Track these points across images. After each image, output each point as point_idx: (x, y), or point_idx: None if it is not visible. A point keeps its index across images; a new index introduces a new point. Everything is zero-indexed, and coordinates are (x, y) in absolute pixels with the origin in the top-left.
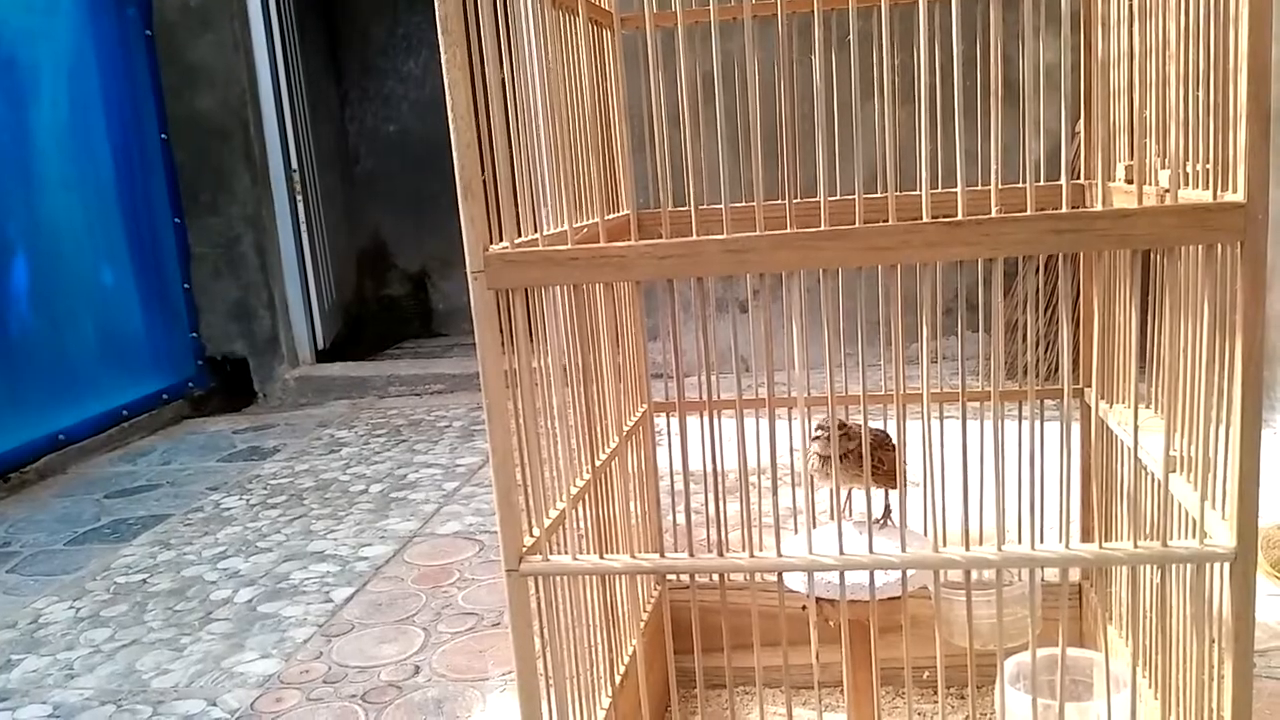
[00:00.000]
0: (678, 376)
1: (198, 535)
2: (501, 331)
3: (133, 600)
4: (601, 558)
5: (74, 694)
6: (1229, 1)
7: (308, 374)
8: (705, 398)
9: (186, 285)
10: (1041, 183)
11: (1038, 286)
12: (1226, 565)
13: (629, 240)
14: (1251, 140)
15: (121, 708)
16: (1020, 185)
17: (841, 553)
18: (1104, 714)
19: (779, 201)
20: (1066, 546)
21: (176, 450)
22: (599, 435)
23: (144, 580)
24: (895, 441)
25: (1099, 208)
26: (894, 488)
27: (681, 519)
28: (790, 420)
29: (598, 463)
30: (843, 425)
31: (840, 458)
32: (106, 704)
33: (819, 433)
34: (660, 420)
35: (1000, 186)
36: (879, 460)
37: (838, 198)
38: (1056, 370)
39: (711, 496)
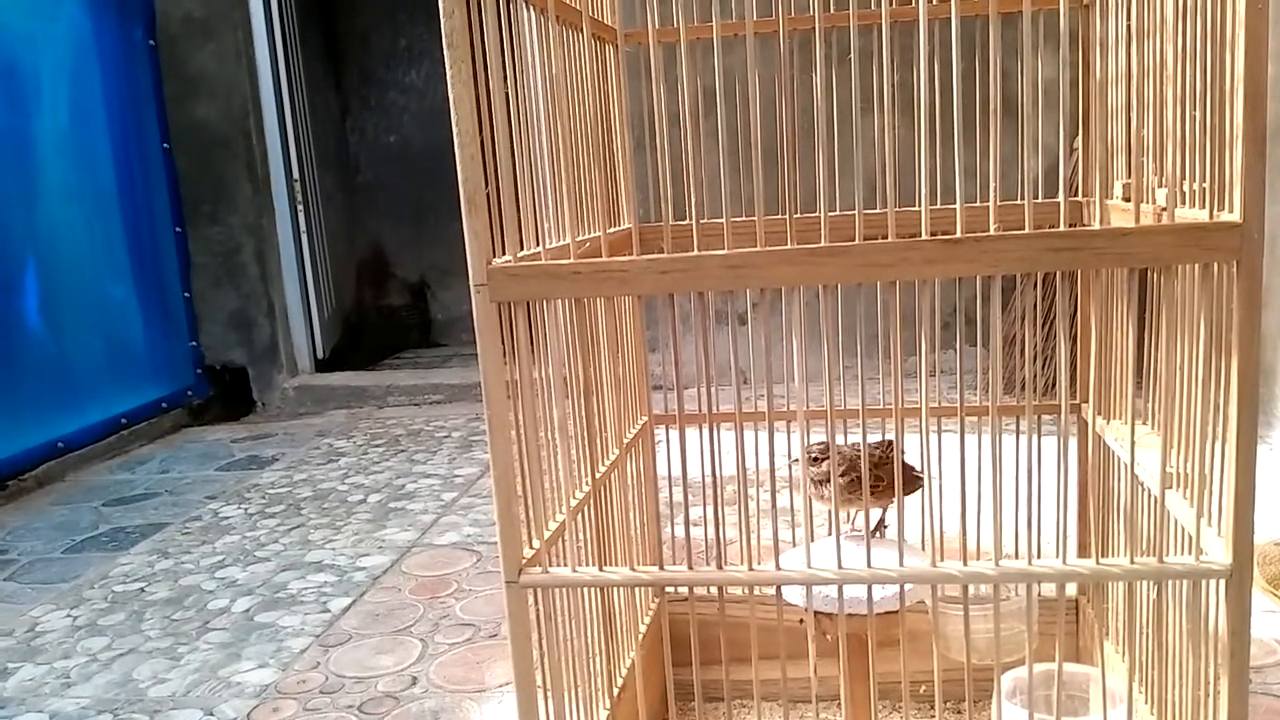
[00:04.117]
0: (678, 389)
1: (196, 544)
2: (503, 343)
3: (130, 609)
4: (601, 570)
5: (70, 703)
6: (1226, 24)
7: (307, 383)
8: (705, 410)
9: (187, 294)
10: (1040, 200)
11: (1035, 302)
12: (1222, 582)
13: (630, 254)
14: (1247, 160)
15: (118, 717)
16: (1019, 202)
17: (840, 566)
18: None
19: (779, 216)
20: (1064, 562)
21: (175, 459)
22: (599, 447)
23: (141, 589)
24: (896, 451)
25: (1096, 226)
26: (892, 501)
27: (680, 531)
28: (789, 433)
29: (598, 475)
30: (819, 450)
31: (821, 482)
32: (103, 713)
33: (811, 452)
34: (660, 432)
35: (999, 203)
36: (876, 478)
37: (837, 213)
38: (1054, 386)
39: (710, 509)
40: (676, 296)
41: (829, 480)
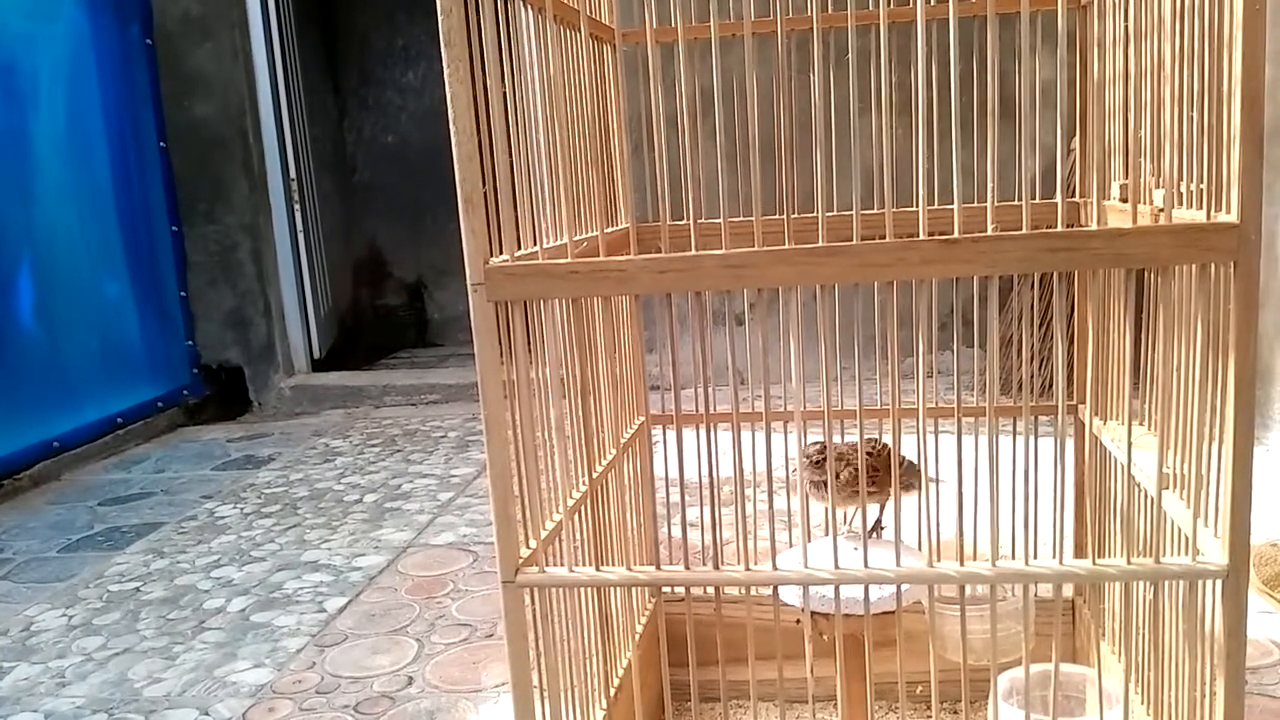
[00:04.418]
0: (675, 389)
1: (191, 544)
2: (500, 343)
3: (125, 608)
4: (598, 569)
5: (65, 702)
6: (1223, 24)
7: (303, 383)
8: (702, 410)
9: (183, 293)
10: (1037, 200)
11: (1032, 303)
12: (1219, 582)
13: (628, 254)
14: (1245, 161)
15: (113, 716)
16: (1016, 203)
17: (836, 567)
18: None
19: (777, 216)
20: (1060, 562)
21: (171, 458)
22: (596, 447)
23: (137, 588)
24: (893, 454)
25: (1094, 226)
26: (889, 501)
27: (678, 532)
28: (786, 434)
29: (594, 475)
30: (818, 452)
31: (820, 484)
32: (98, 713)
33: (811, 456)
34: (657, 432)
35: (996, 204)
36: (874, 472)
37: (835, 213)
38: (1051, 387)
39: (707, 510)
40: (674, 296)
41: (825, 483)
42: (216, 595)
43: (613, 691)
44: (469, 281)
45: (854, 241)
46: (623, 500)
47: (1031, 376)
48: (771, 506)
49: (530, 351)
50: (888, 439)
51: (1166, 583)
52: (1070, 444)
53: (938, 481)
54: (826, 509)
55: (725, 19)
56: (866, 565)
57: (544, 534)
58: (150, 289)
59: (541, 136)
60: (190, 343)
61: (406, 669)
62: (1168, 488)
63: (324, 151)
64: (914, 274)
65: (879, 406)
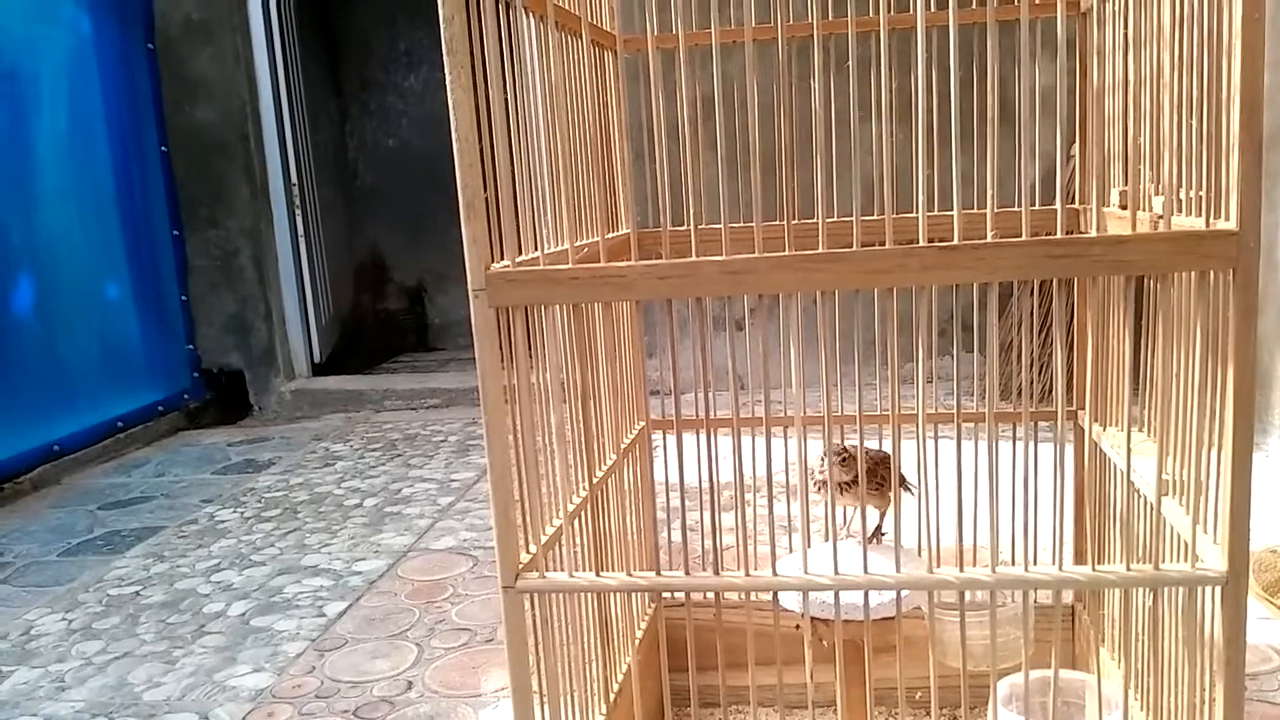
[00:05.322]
0: (675, 394)
1: (191, 548)
2: (501, 348)
3: (125, 612)
4: (598, 575)
5: (65, 706)
6: (1222, 32)
7: (304, 387)
8: (703, 415)
9: (184, 297)
10: (1037, 207)
11: (1032, 309)
12: (1218, 589)
13: (628, 259)
14: (1244, 169)
15: None
16: (1016, 209)
17: (836, 573)
18: None
19: (777, 222)
20: (1060, 568)
21: (171, 462)
22: (596, 452)
23: (137, 592)
24: (894, 462)
25: (1093, 233)
26: (889, 504)
27: (678, 537)
28: (786, 439)
29: (595, 480)
30: (844, 451)
31: (847, 485)
32: (98, 717)
33: (823, 463)
34: (657, 437)
35: (996, 210)
36: (880, 478)
37: (835, 219)
38: (1051, 392)
39: (708, 515)
40: (675, 302)
41: (853, 483)
42: (216, 599)
43: (612, 697)
44: (470, 287)
45: (854, 248)
46: (623, 505)
47: (1031, 382)
48: (771, 512)
49: (531, 356)
50: (885, 445)
51: (1166, 589)
52: (1070, 450)
53: (914, 489)
54: (832, 510)
55: (726, 25)
56: (866, 571)
57: (544, 539)
58: (151, 293)
59: (543, 142)
60: (191, 347)
61: (406, 674)
62: (1167, 494)
63: (325, 156)
64: (914, 280)
65: (879, 412)
